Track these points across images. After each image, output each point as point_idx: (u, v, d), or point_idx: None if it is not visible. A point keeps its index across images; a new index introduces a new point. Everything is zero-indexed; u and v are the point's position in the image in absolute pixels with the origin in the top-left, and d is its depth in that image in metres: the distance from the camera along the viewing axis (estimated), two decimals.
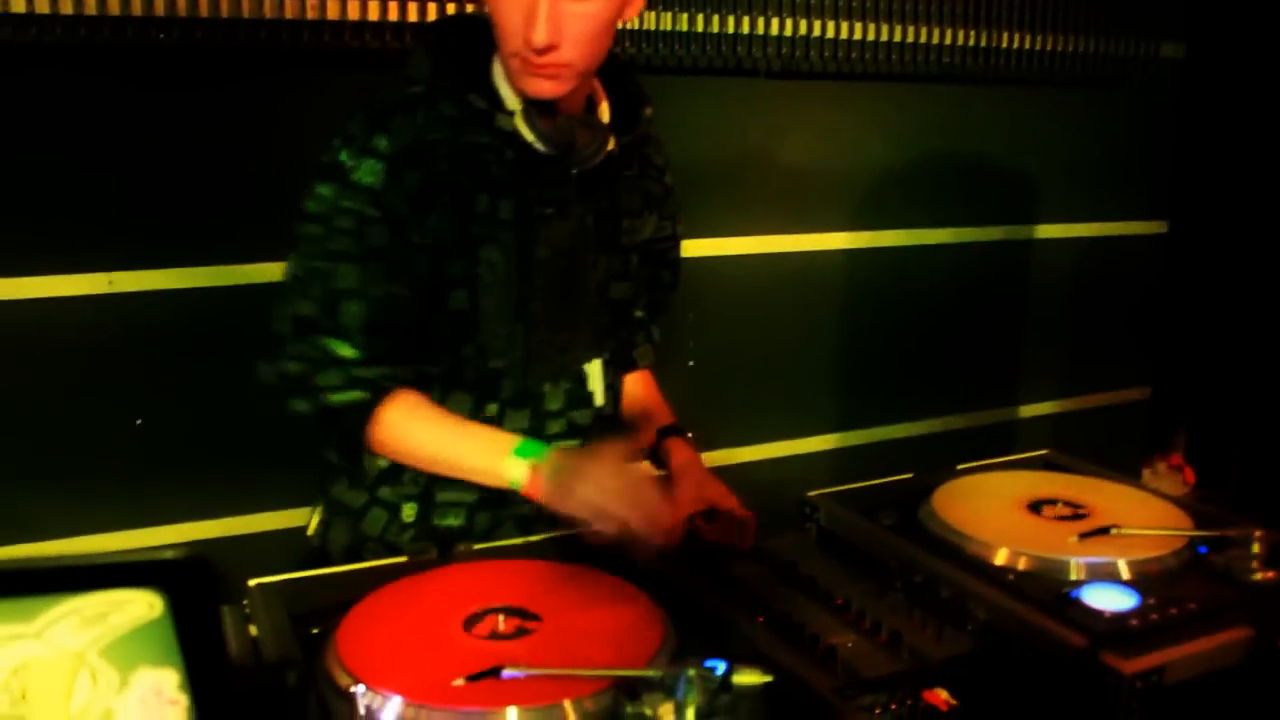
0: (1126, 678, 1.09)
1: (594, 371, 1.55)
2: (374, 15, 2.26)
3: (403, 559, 1.35)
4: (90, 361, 2.24)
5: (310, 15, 2.20)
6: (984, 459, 1.73)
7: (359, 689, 1.03)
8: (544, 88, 1.37)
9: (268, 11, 2.17)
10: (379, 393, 1.38)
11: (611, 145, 1.46)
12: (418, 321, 1.42)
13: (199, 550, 0.61)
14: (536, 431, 1.49)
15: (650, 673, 1.01)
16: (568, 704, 1.01)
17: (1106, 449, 3.24)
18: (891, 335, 3.06)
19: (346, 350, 1.37)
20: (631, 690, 1.02)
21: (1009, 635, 1.22)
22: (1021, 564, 1.36)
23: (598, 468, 1.28)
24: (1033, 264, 3.23)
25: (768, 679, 1.02)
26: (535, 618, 1.17)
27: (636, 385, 1.71)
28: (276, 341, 1.40)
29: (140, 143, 2.20)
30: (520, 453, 1.35)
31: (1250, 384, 3.20)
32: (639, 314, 1.68)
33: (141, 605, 0.62)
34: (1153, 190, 3.38)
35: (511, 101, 1.43)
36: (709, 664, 1.01)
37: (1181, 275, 3.38)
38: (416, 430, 1.40)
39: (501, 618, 1.16)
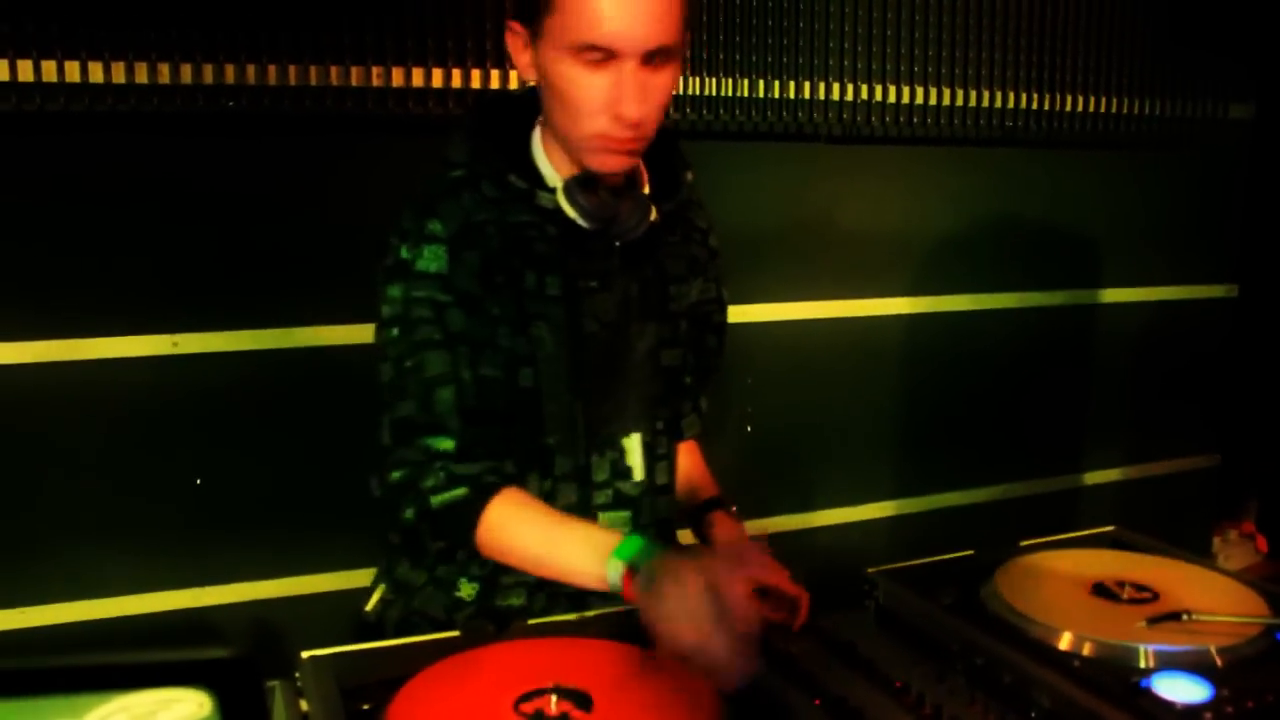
0: None
1: (632, 446, 1.52)
2: (437, 82, 2.30)
3: (453, 634, 1.34)
4: (153, 422, 2.28)
5: (375, 83, 2.25)
6: (1045, 527, 1.69)
7: None
8: (622, 163, 1.37)
9: (334, 79, 2.22)
10: (482, 490, 1.36)
11: (654, 215, 1.45)
12: (510, 408, 1.40)
13: (247, 651, 0.61)
14: (584, 503, 1.48)
15: None
16: None
17: (1174, 518, 3.18)
18: (952, 401, 3.02)
19: (445, 443, 1.35)
20: None
21: None
22: (1087, 649, 1.32)
23: (693, 591, 1.18)
24: (1097, 329, 3.18)
25: None
26: (587, 699, 1.15)
27: (683, 457, 1.69)
28: (381, 454, 1.39)
29: (205, 206, 2.26)
30: (619, 553, 1.28)
31: None
32: (687, 380, 1.66)
33: (191, 704, 0.61)
34: (1221, 253, 3.32)
35: (552, 178, 1.42)
36: None
37: (1251, 339, 3.31)
38: (520, 531, 1.36)
39: (553, 698, 1.15)
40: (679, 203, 1.52)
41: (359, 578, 2.48)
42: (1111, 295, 3.18)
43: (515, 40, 1.37)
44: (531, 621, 1.37)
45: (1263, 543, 3.82)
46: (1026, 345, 3.07)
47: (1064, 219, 3.05)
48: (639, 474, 1.53)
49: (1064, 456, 3.23)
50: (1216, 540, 3.43)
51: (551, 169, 1.43)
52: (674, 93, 1.41)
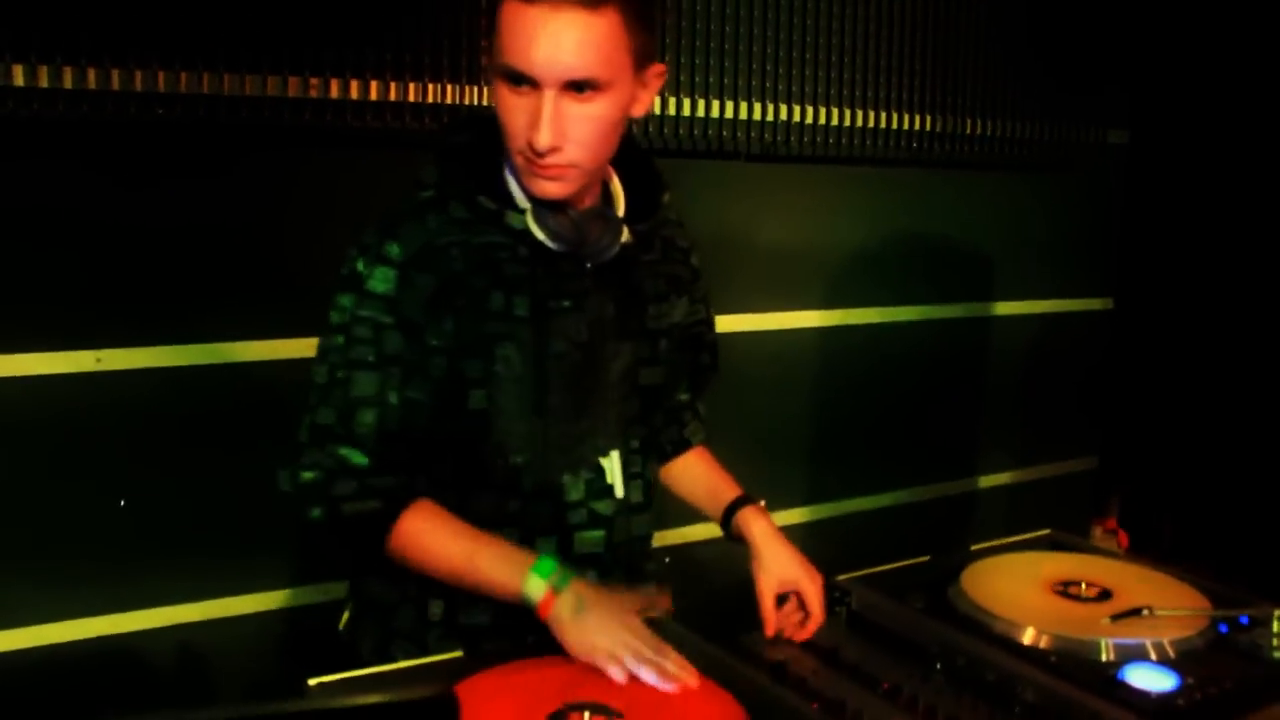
0: None
1: (611, 464, 1.54)
2: (374, 95, 2.29)
3: (451, 655, 1.36)
4: (75, 441, 2.21)
5: (312, 94, 2.23)
6: (947, 529, 1.80)
7: None
8: (550, 189, 1.38)
9: (267, 89, 2.19)
10: (394, 503, 1.39)
11: (627, 236, 1.47)
12: (434, 427, 1.42)
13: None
14: (558, 523, 1.50)
15: None
16: None
17: (1058, 518, 3.36)
18: (860, 410, 3.15)
19: (359, 459, 1.38)
20: None
21: (1058, 716, 1.28)
22: (1056, 645, 1.42)
23: (614, 617, 1.31)
24: (990, 340, 3.37)
25: None
26: (618, 715, 1.19)
27: (696, 463, 1.73)
28: (296, 449, 1.41)
29: (129, 220, 2.19)
30: (539, 571, 1.35)
31: (1186, 451, 3.34)
32: (683, 396, 1.71)
33: None
34: (1099, 269, 3.55)
35: (521, 199, 1.44)
36: None
37: (1126, 349, 3.54)
38: (434, 542, 1.40)
39: (587, 714, 1.18)
40: (654, 222, 1.55)
41: (286, 598, 2.45)
42: (1003, 308, 3.37)
43: (486, 59, 1.41)
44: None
45: (1124, 538, 4.07)
46: (928, 356, 3.23)
47: (961, 236, 3.22)
48: (619, 491, 1.54)
49: (961, 461, 3.40)
50: (1096, 533, 3.64)
51: (521, 190, 1.44)
52: (623, 124, 1.41)
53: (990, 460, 3.45)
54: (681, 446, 1.73)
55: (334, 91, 2.26)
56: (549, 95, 1.31)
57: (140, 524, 2.28)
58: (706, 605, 1.52)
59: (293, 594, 2.45)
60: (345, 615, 1.60)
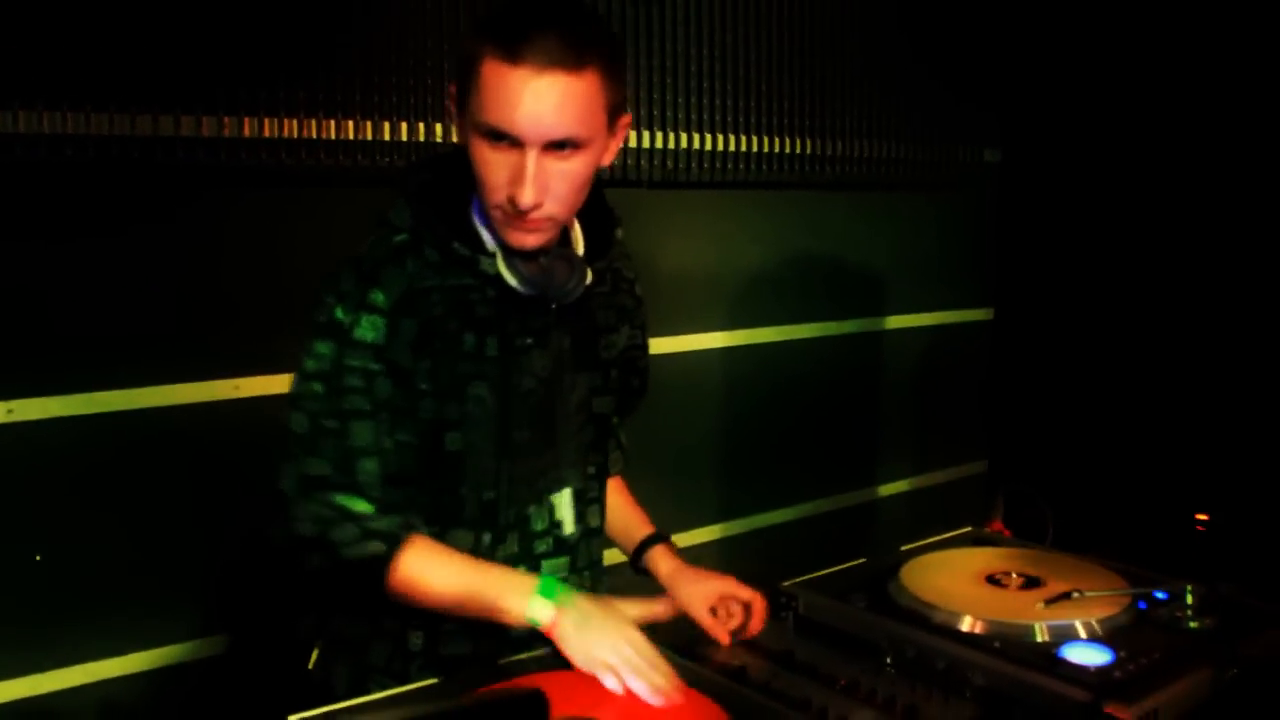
0: None
1: (561, 502, 1.59)
2: (306, 133, 2.28)
3: (427, 681, 1.38)
4: None
5: (226, 133, 2.22)
6: (854, 539, 1.88)
7: None
8: (528, 241, 1.41)
9: (180, 130, 2.17)
10: (394, 543, 1.41)
11: (590, 277, 1.52)
12: (424, 467, 1.45)
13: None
14: (526, 552, 1.54)
15: None
16: None
17: (954, 521, 3.50)
18: (766, 426, 3.24)
19: (362, 506, 1.40)
20: None
21: (1009, 696, 1.36)
22: (995, 630, 1.51)
23: (615, 629, 1.36)
24: (884, 353, 3.51)
25: None
26: None
27: (613, 494, 1.77)
28: (281, 501, 1.41)
29: (34, 264, 2.14)
30: (543, 593, 1.39)
31: (1066, 449, 3.51)
32: (615, 421, 1.76)
33: None
34: (980, 281, 3.73)
35: (490, 243, 1.47)
36: None
37: (1007, 356, 3.72)
38: (435, 575, 1.42)
39: None
40: (610, 258, 1.60)
41: (210, 646, 2.41)
42: (893, 321, 3.51)
43: (451, 104, 1.42)
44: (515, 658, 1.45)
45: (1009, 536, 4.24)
46: (826, 370, 3.35)
47: (852, 254, 3.36)
48: (569, 528, 1.60)
49: (863, 471, 3.53)
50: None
51: (489, 235, 1.47)
52: (592, 175, 1.45)
53: (890, 469, 3.58)
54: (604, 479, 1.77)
55: (265, 130, 2.25)
56: (532, 154, 1.34)
57: (58, 579, 2.21)
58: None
59: (219, 642, 2.41)
60: (315, 654, 1.61)
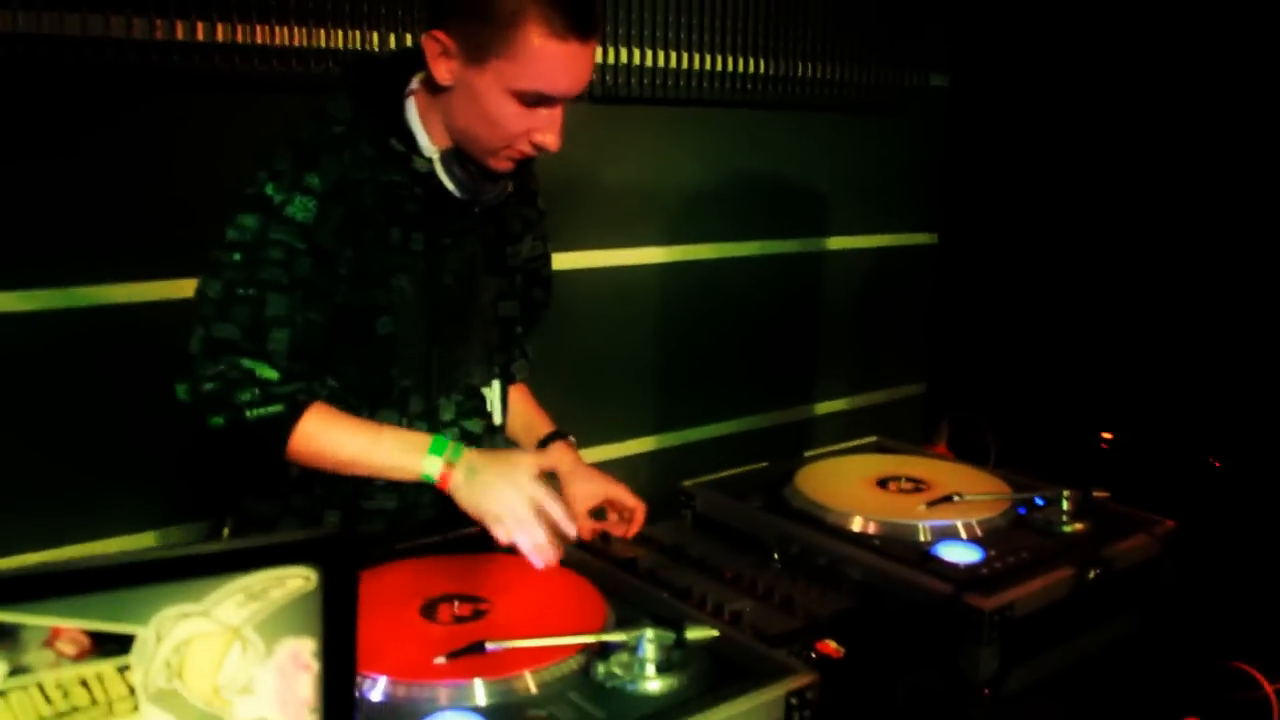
0: (986, 614, 1.33)
1: (492, 394, 1.68)
2: (240, 38, 2.26)
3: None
4: None
5: (179, 36, 2.20)
6: (787, 453, 1.94)
7: None
8: (510, 167, 1.52)
9: (110, 29, 2.16)
10: (296, 406, 1.46)
11: (510, 188, 1.61)
12: (341, 350, 1.52)
13: (346, 529, 0.72)
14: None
15: (616, 636, 1.16)
16: (552, 667, 1.15)
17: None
18: (703, 342, 3.28)
19: (269, 372, 1.45)
20: (598, 653, 1.16)
21: (881, 590, 1.44)
22: (880, 530, 1.59)
23: (509, 479, 1.41)
24: (825, 273, 3.54)
25: (715, 633, 1.18)
26: (485, 601, 1.29)
27: (516, 399, 1.82)
28: (187, 360, 1.46)
29: None
30: (435, 449, 1.45)
31: (1005, 372, 3.57)
32: (519, 330, 1.80)
33: (299, 580, 0.70)
34: (924, 205, 3.76)
35: (427, 146, 1.53)
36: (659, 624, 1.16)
37: (950, 281, 3.77)
38: (332, 436, 1.47)
39: (456, 604, 1.28)
40: (526, 172, 1.67)
41: (139, 541, 2.44)
42: (836, 243, 3.53)
43: (435, 47, 1.44)
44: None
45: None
46: (767, 289, 3.37)
47: (796, 174, 3.37)
48: (498, 418, 1.68)
49: (799, 389, 3.58)
50: None
51: (427, 138, 1.53)
52: None
53: (826, 388, 3.63)
54: (511, 380, 1.82)
55: (217, 35, 2.24)
56: (559, 108, 1.46)
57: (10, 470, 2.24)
58: None
59: (146, 538, 2.45)
60: (225, 532, 1.67)
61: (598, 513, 1.68)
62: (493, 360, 1.70)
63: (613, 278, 3.03)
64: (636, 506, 1.65)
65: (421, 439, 1.47)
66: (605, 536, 1.61)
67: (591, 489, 1.68)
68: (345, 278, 1.48)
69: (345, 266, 1.48)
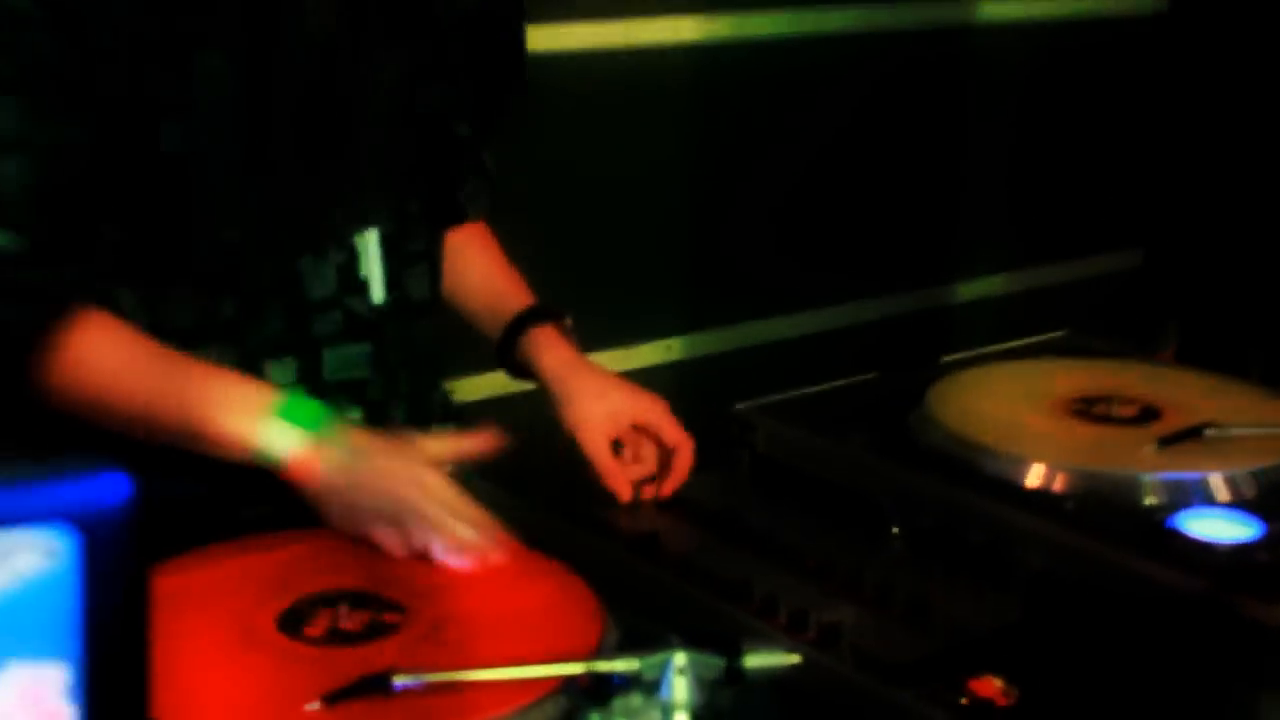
0: (1271, 629, 1.25)
1: (368, 248, 1.62)
2: None
3: None
4: None
5: None
6: (921, 360, 1.92)
7: None
8: None
9: None
10: (54, 307, 1.43)
11: None
12: (103, 185, 1.48)
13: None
14: (298, 330, 1.57)
15: (621, 664, 1.10)
16: (510, 718, 1.10)
17: None
18: (764, 177, 3.22)
19: (4, 239, 1.41)
20: (590, 693, 1.11)
21: (1080, 589, 1.37)
22: (1077, 485, 1.52)
23: (401, 476, 1.41)
24: (968, 62, 3.48)
25: (794, 660, 1.12)
26: (395, 607, 1.26)
27: (469, 248, 1.82)
28: None
29: None
30: (287, 414, 1.42)
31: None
32: (462, 131, 1.76)
33: (32, 555, 0.66)
34: None
35: None
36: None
37: (1189, 75, 3.68)
38: (111, 367, 1.46)
39: (343, 609, 1.25)
40: None
41: None
42: (990, 9, 3.47)
43: None
44: None
45: None
46: (867, 88, 3.32)
47: None
48: (378, 290, 1.62)
49: (925, 259, 3.54)
50: None
51: None
52: None
53: (973, 256, 3.61)
54: (451, 218, 1.80)
55: None
56: None
57: None
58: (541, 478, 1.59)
59: None
60: None
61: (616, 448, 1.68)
62: (407, 192, 1.66)
63: (622, 66, 3.00)
64: (680, 441, 1.63)
65: (261, 394, 1.45)
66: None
67: (609, 407, 1.66)
68: (114, 55, 1.42)
69: (112, 37, 1.42)
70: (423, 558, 1.37)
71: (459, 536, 1.38)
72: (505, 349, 1.75)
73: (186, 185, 1.49)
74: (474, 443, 1.51)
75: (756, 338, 3.29)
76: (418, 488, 1.41)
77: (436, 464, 1.45)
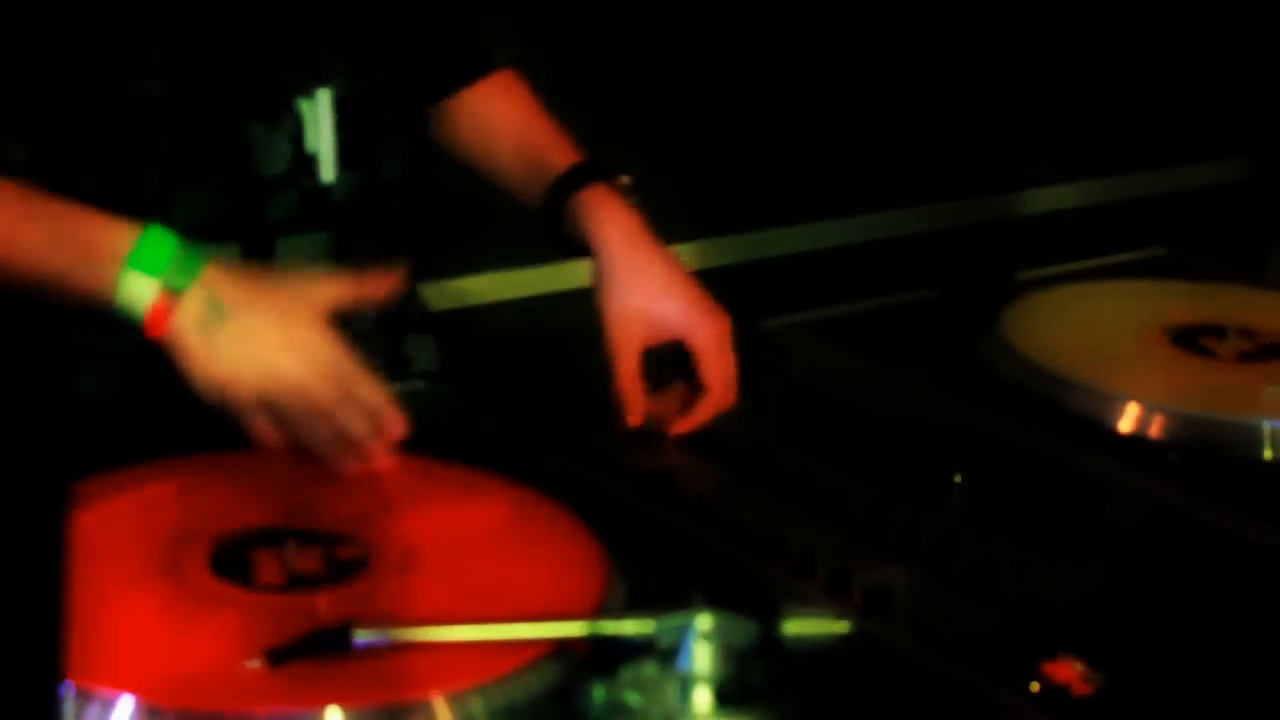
0: None
1: (316, 113, 1.62)
2: None
3: None
4: None
5: None
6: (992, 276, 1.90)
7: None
8: None
9: None
10: None
11: None
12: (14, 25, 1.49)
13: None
14: (243, 212, 1.59)
15: (630, 626, 1.08)
16: (492, 687, 1.08)
17: None
18: (812, 63, 3.24)
19: None
20: (591, 661, 1.10)
21: (1181, 552, 1.35)
22: (1178, 431, 1.51)
23: (277, 329, 1.42)
24: None
25: (841, 628, 1.10)
26: (352, 542, 1.28)
27: (500, 101, 1.82)
28: None
29: None
30: (142, 257, 1.42)
31: None
32: None
33: None
34: None
35: None
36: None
37: None
38: None
39: (291, 545, 1.25)
40: None
41: None
42: None
43: None
44: None
45: None
46: None
47: None
48: (328, 167, 1.61)
49: (993, 160, 3.56)
50: None
51: None
52: None
53: (1050, 159, 3.63)
54: (473, 71, 1.81)
55: None
56: None
57: None
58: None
59: None
60: None
61: (662, 365, 1.66)
62: (375, 45, 1.67)
63: None
64: (716, 383, 1.61)
65: (116, 232, 1.44)
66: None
67: (659, 309, 1.65)
68: None
69: None
70: (303, 454, 1.38)
71: (347, 427, 1.36)
72: (551, 215, 1.71)
73: (89, 20, 1.50)
74: (369, 284, 1.49)
75: (784, 247, 3.32)
76: (296, 355, 1.40)
77: (323, 317, 1.43)
